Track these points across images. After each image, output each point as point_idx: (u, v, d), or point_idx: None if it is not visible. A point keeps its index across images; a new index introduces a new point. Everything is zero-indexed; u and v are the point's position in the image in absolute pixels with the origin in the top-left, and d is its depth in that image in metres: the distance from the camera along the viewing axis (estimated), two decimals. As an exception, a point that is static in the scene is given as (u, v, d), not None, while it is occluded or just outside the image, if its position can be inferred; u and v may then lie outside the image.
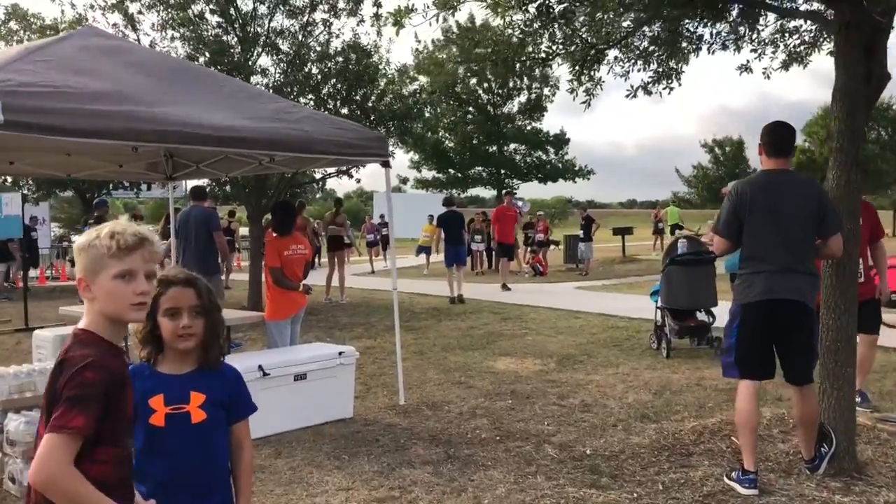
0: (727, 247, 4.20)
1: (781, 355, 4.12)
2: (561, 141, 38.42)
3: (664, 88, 5.79)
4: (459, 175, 38.32)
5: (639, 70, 5.86)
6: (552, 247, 22.68)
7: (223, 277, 12.55)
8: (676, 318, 8.17)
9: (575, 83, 5.71)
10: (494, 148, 38.38)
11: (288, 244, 6.48)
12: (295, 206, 6.79)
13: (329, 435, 5.60)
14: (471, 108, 38.09)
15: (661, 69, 5.73)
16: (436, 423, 5.83)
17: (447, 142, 38.50)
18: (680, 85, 5.85)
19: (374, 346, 9.26)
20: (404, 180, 38.90)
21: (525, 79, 36.36)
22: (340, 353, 6.01)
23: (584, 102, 6.86)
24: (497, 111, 38.07)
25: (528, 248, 21.69)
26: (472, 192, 42.43)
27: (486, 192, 44.37)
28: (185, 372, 2.37)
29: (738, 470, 4.13)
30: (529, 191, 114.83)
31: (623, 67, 5.86)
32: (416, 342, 9.54)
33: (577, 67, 5.57)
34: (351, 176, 12.87)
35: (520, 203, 21.52)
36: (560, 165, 38.26)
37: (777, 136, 4.13)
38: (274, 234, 6.53)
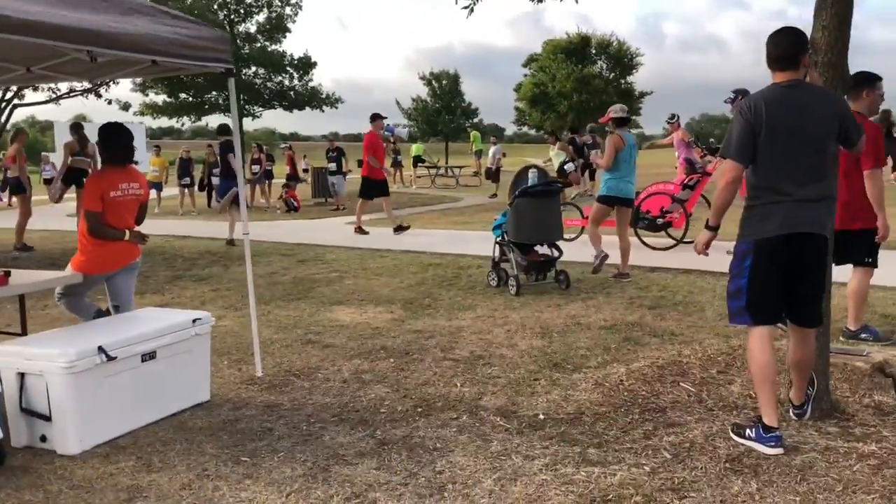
0: (739, 172, 3.61)
1: (793, 295, 3.66)
2: (307, 65, 36.18)
3: None
4: (193, 100, 34.50)
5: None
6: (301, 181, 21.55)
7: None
8: (524, 253, 7.70)
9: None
10: (232, 70, 35.10)
11: (116, 182, 4.82)
12: (126, 128, 5.03)
13: (198, 428, 4.27)
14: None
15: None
16: (325, 397, 4.74)
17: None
18: None
19: (169, 303, 7.68)
20: (125, 106, 33.64)
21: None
22: (195, 321, 4.60)
23: (465, 8, 6.05)
24: (235, 30, 34.77)
25: (283, 183, 20.28)
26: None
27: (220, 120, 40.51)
28: None
29: (754, 427, 3.66)
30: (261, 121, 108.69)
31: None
32: (219, 295, 8.11)
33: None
34: (100, 95, 10.51)
35: (398, 129, 19.76)
36: (305, 92, 36.03)
37: (778, 46, 3.60)
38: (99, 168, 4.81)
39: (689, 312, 6.59)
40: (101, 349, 3.94)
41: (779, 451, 3.53)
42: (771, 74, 3.65)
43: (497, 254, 8.11)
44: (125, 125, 5.13)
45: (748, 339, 3.72)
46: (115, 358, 3.98)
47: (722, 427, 3.94)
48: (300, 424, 4.30)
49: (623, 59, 28.25)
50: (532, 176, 7.58)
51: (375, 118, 13.01)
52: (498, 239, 8.02)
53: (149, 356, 4.26)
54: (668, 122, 13.50)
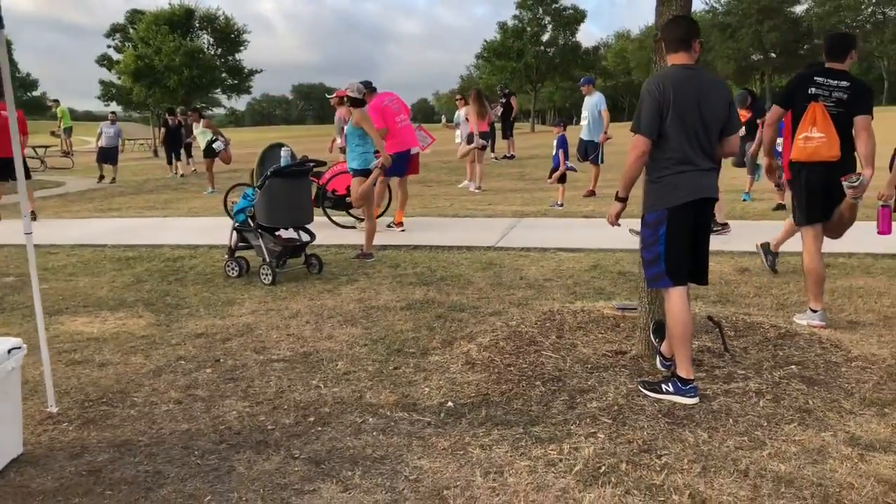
0: (648, 146, 3.86)
1: (697, 255, 4.05)
2: None
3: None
4: None
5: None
6: None
7: None
8: (277, 239, 7.17)
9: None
10: None
11: None
12: None
13: (51, 494, 3.23)
14: None
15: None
16: (176, 423, 3.94)
17: None
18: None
19: None
20: None
21: None
22: (11, 351, 3.43)
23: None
24: None
25: None
26: None
27: None
28: None
29: (669, 381, 3.98)
30: None
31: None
32: None
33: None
34: None
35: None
36: None
37: (676, 31, 3.94)
38: None
39: (462, 286, 6.81)
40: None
41: (696, 400, 3.92)
42: (667, 57, 3.98)
43: (234, 241, 7.41)
44: None
45: (668, 301, 4.03)
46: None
47: (624, 385, 4.21)
48: (188, 459, 3.51)
49: (230, 36, 27.39)
50: (285, 155, 7.06)
51: None
52: (237, 224, 7.32)
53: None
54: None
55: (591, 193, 13.25)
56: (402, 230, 9.76)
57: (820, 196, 5.09)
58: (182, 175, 20.64)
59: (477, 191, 14.53)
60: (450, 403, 4.11)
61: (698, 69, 3.94)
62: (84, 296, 6.84)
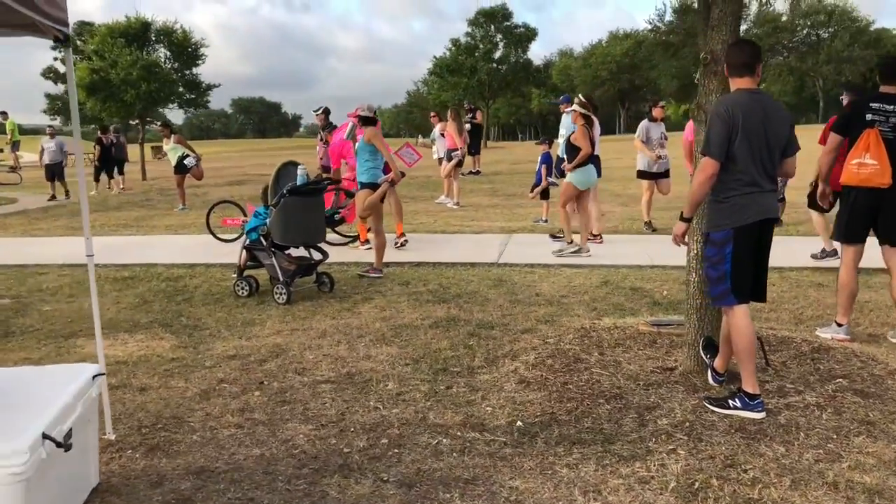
0: (717, 169, 3.96)
1: (758, 274, 4.16)
2: None
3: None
4: None
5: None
6: None
7: None
8: (290, 258, 7.08)
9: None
10: None
11: None
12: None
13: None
14: None
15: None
16: (246, 448, 3.86)
17: None
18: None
19: None
20: None
21: None
22: (95, 378, 3.33)
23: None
24: None
25: None
26: None
27: None
28: None
29: (736, 397, 4.07)
30: None
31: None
32: None
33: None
34: None
35: None
36: None
37: (741, 56, 4.06)
38: None
39: (480, 303, 6.83)
40: (46, 437, 2.64)
41: (763, 414, 4.02)
42: (731, 81, 4.10)
43: (244, 259, 7.30)
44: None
45: (732, 318, 4.12)
46: (69, 446, 2.70)
47: (687, 402, 4.29)
48: (276, 485, 3.45)
49: (188, 49, 26.83)
50: (301, 173, 6.98)
51: None
52: (248, 243, 7.21)
53: (68, 437, 2.97)
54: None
55: (571, 210, 13.42)
56: (405, 241, 9.78)
57: (864, 219, 5.29)
58: (116, 192, 20.35)
59: (455, 206, 14.59)
60: (519, 423, 4.12)
61: (762, 93, 4.07)
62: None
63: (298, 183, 6.95)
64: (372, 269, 7.99)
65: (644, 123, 11.14)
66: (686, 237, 4.24)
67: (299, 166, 7.04)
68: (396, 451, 3.81)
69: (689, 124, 9.09)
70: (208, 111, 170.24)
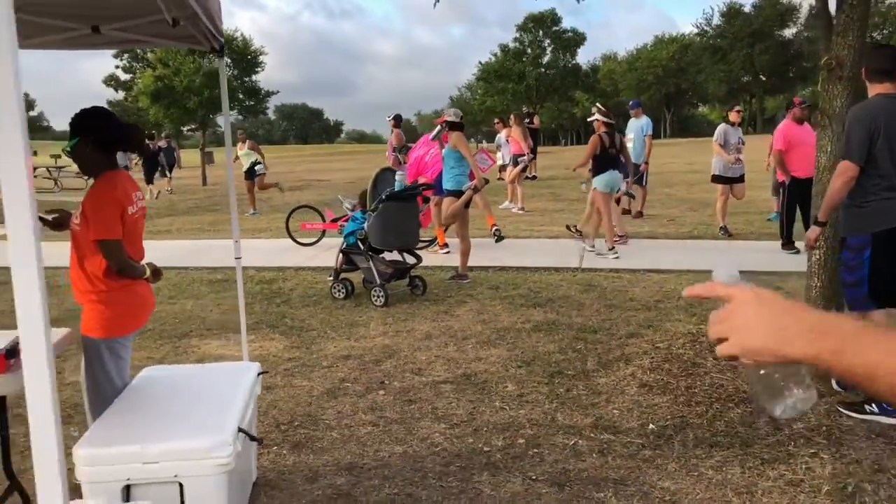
0: (856, 172, 3.98)
1: (893, 277, 4.15)
2: None
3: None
4: None
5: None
6: None
7: None
8: (386, 261, 7.22)
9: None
10: None
11: (129, 192, 3.29)
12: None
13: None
14: None
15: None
16: (385, 446, 3.97)
17: None
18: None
19: None
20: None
21: None
22: (259, 375, 3.48)
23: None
24: None
25: None
26: None
27: None
28: None
29: (873, 402, 4.06)
30: None
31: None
32: None
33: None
34: None
35: None
36: None
37: (882, 62, 4.06)
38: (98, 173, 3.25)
39: (576, 307, 6.89)
40: (241, 430, 2.77)
41: (899, 419, 4.01)
42: (870, 86, 4.11)
43: (340, 262, 7.46)
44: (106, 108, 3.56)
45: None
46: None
47: (819, 406, 4.29)
48: (427, 482, 3.55)
49: (247, 57, 27.49)
50: (399, 179, 7.13)
51: None
52: (346, 247, 7.37)
53: (243, 432, 3.11)
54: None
55: (640, 215, 13.39)
56: (447, 251, 9.83)
57: None
58: (156, 196, 20.63)
59: (520, 212, 14.63)
60: (651, 426, 4.16)
61: (900, 95, 4.07)
62: (199, 318, 6.85)
63: (396, 188, 7.09)
64: (458, 274, 8.09)
65: (722, 127, 11.08)
66: (817, 241, 4.25)
67: (397, 172, 7.18)
68: (536, 450, 3.89)
69: (778, 132, 9.01)
70: (259, 119, 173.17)
